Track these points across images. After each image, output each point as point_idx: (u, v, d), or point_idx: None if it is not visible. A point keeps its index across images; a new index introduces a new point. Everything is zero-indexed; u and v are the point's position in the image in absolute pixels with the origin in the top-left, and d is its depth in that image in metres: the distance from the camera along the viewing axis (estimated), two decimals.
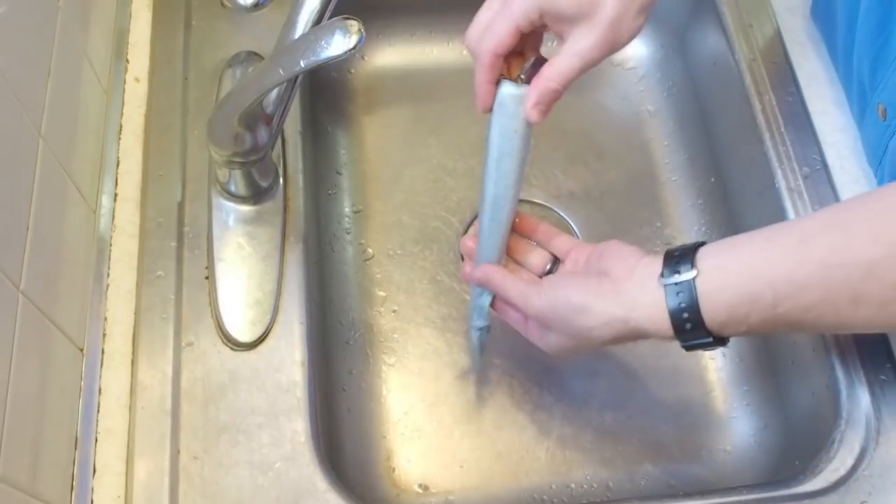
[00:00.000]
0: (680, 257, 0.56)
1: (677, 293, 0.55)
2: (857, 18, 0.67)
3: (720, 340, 0.56)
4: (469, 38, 0.59)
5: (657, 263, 0.56)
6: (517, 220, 0.66)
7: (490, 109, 0.60)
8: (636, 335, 0.57)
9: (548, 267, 0.66)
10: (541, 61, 0.59)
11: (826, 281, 0.52)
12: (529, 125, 0.59)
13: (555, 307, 0.59)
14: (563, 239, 0.65)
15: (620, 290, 0.57)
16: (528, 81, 0.59)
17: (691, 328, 0.55)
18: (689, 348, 0.57)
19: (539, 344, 0.62)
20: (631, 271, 0.57)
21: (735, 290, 0.54)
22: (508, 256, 0.67)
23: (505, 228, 0.63)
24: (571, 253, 0.64)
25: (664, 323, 0.55)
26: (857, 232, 0.52)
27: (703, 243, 0.57)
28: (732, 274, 0.54)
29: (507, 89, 0.59)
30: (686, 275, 0.54)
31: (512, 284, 0.62)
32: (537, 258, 0.66)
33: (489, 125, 0.60)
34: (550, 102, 0.58)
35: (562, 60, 0.57)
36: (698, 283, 0.54)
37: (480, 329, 0.67)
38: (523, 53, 0.60)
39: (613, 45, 0.57)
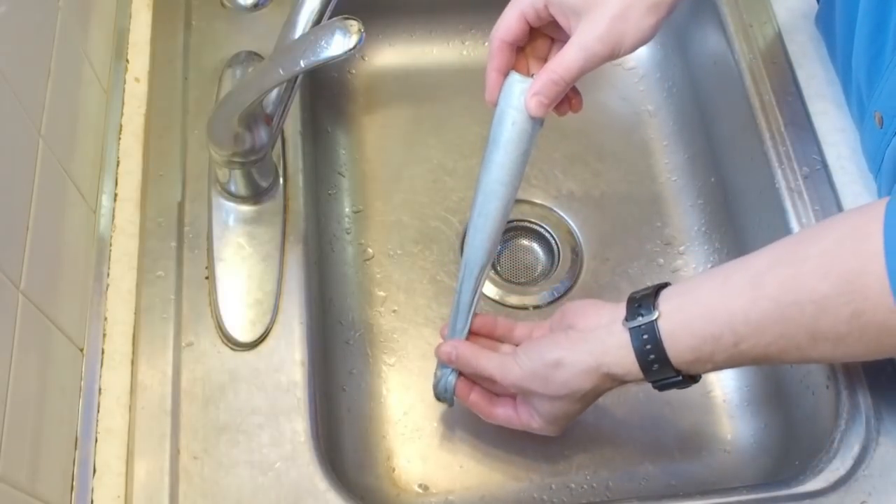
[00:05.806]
0: (641, 300, 0.57)
1: (642, 335, 0.56)
2: (856, 27, 0.67)
3: (690, 378, 0.58)
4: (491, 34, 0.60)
5: (620, 309, 0.58)
6: (476, 322, 0.66)
7: (496, 101, 0.60)
8: (611, 381, 0.58)
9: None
10: None
11: (782, 319, 0.52)
12: (532, 121, 0.59)
13: (534, 369, 0.60)
14: (521, 325, 0.66)
15: (589, 339, 0.58)
16: None
17: (658, 367, 0.56)
18: (661, 388, 0.58)
19: (529, 424, 0.63)
20: (597, 320, 0.59)
21: (697, 332, 0.55)
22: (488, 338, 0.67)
23: (493, 228, 0.63)
24: (534, 332, 0.65)
25: (633, 365, 0.57)
26: (807, 268, 0.52)
27: (666, 284, 0.58)
28: (692, 316, 0.55)
29: (513, 78, 0.59)
30: (648, 317, 0.56)
31: (487, 359, 0.63)
32: (520, 331, 0.66)
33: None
34: (552, 95, 0.58)
35: (564, 52, 0.57)
36: (660, 324, 0.56)
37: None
38: (547, 59, 0.60)
39: (618, 40, 0.57)
